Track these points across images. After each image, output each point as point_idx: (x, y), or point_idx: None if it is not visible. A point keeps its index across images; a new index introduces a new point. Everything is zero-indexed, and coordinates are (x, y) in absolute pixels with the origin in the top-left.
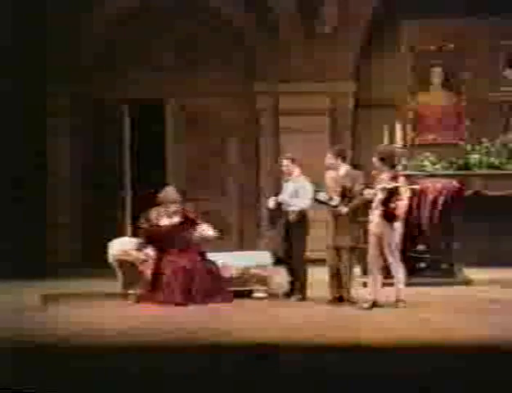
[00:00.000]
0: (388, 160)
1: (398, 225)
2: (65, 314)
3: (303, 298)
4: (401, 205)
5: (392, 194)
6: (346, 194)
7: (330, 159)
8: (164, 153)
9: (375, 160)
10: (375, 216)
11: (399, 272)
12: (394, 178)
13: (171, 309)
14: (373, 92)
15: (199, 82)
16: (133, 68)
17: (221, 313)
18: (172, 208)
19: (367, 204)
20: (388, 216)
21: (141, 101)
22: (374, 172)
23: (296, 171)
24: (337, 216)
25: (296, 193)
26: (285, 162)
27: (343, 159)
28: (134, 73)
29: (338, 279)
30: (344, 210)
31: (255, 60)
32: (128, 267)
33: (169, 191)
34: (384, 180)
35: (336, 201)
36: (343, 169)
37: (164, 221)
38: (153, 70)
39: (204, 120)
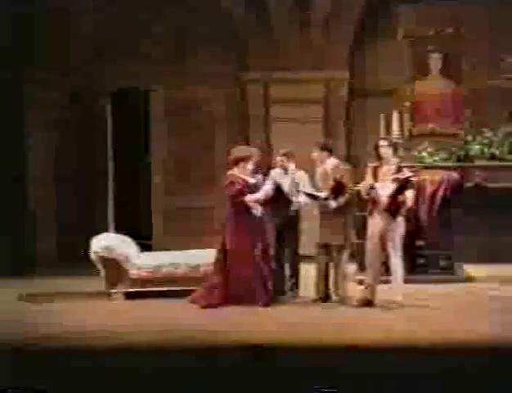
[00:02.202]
0: (395, 151)
1: (401, 219)
2: (45, 314)
3: (297, 295)
4: (410, 196)
5: (404, 186)
6: (338, 187)
7: (314, 153)
8: (150, 146)
9: (385, 147)
10: (378, 210)
11: (399, 269)
12: (399, 170)
13: (167, 308)
14: (368, 80)
15: (188, 71)
16: (119, 57)
17: (217, 314)
18: (251, 165)
19: (364, 198)
20: (395, 209)
21: (126, 91)
22: (372, 164)
23: (291, 165)
24: (325, 212)
25: (296, 186)
26: (280, 158)
27: (329, 152)
28: (120, 63)
29: (326, 278)
30: (333, 204)
31: (246, 49)
32: (112, 265)
33: (242, 148)
34: (389, 171)
35: (325, 194)
36: (330, 162)
37: (251, 180)
38: (140, 60)
39: (193, 112)
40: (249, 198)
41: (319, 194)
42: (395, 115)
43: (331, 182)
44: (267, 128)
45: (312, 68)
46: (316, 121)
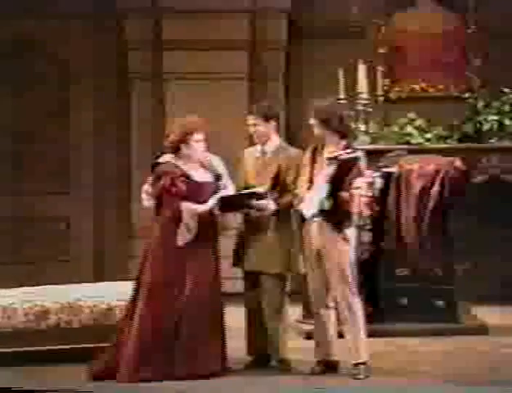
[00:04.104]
0: (335, 124)
1: (352, 232)
2: None
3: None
4: (356, 196)
5: (343, 172)
6: (281, 181)
7: (252, 122)
8: None
9: (314, 122)
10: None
11: (356, 314)
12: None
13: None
14: (318, 13)
15: None
16: None
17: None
18: (201, 144)
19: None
20: (336, 215)
21: None
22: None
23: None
24: (257, 222)
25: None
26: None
27: (274, 124)
28: None
29: (259, 327)
30: (272, 206)
31: None
32: None
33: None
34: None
35: (264, 188)
36: (273, 142)
37: (197, 175)
38: None
39: (32, 59)
40: (187, 207)
41: (260, 191)
42: (361, 68)
43: (276, 170)
44: (158, 89)
45: None
46: (236, 77)
